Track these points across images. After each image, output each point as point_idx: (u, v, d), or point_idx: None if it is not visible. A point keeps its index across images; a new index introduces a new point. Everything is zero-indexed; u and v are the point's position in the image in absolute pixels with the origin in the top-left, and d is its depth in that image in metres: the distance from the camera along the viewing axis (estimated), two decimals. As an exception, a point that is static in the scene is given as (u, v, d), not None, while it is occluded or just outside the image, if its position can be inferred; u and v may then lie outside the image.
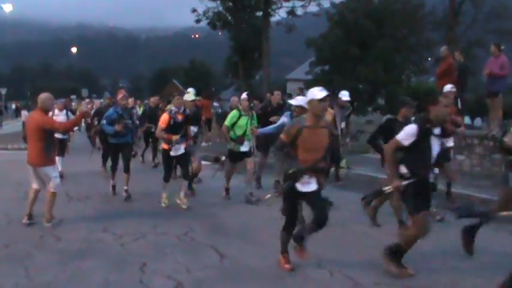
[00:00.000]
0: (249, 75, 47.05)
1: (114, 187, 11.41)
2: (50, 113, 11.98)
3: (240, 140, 10.47)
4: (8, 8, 52.85)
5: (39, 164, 8.37)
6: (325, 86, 27.99)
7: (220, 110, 25.17)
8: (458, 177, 9.61)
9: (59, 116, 13.41)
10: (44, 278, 6.13)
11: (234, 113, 10.63)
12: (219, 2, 40.04)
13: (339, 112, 12.06)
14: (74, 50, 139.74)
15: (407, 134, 6.03)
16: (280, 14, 38.78)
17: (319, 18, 40.02)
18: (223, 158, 11.95)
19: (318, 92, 6.09)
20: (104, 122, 10.95)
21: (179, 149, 10.04)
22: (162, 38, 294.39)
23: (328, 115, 10.55)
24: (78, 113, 11.58)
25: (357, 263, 6.72)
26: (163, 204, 10.18)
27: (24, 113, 31.66)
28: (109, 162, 12.08)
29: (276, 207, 8.70)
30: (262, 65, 38.36)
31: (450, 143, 9.90)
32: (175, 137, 9.75)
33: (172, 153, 10.04)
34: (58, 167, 11.40)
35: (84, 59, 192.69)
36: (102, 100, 23.95)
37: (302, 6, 38.20)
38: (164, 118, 9.95)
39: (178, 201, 10.08)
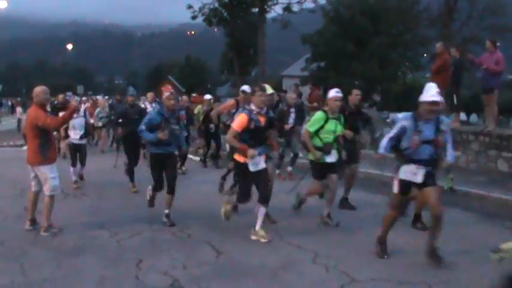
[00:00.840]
0: (244, 72, 46.98)
1: (152, 200, 9.11)
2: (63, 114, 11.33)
3: (327, 148, 8.46)
4: (2, 4, 52.72)
5: (35, 163, 7.87)
6: (321, 82, 27.96)
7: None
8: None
9: (76, 118, 11.75)
10: (40, 274, 6.13)
11: (319, 115, 8.53)
12: (214, -2, 40.00)
13: None
14: (69, 47, 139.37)
15: None
16: (276, 11, 38.68)
17: (315, 15, 39.96)
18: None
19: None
20: (142, 127, 8.47)
21: (259, 163, 7.64)
22: (157, 35, 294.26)
23: None
24: (71, 105, 9.37)
25: (353, 259, 6.74)
26: (224, 217, 8.11)
27: (18, 109, 31.54)
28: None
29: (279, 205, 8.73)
30: (258, 61, 38.29)
31: None
32: (251, 152, 7.42)
33: (251, 169, 7.55)
34: (73, 174, 11.94)
35: (79, 56, 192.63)
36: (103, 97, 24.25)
37: (298, 2, 38.10)
38: (242, 120, 7.49)
39: (253, 238, 7.65)
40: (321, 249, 7.01)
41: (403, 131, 6.60)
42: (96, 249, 7.15)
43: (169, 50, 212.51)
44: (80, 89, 60.80)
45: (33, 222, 8.12)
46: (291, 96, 13.67)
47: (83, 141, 12.29)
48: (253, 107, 7.58)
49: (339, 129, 8.61)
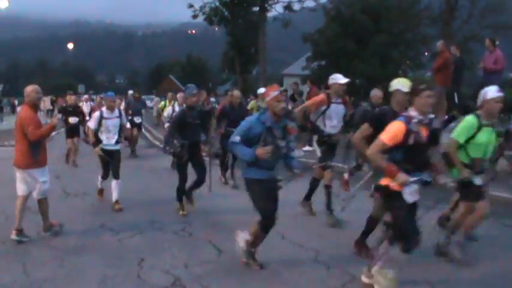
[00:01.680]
0: (245, 71, 46.95)
1: (252, 256, 6.53)
2: (97, 113, 10.02)
3: (477, 166, 6.47)
4: (3, 4, 52.74)
5: (25, 166, 7.54)
6: (322, 81, 27.91)
7: (217, 106, 25.15)
8: None
9: (112, 119, 9.94)
10: (42, 274, 6.14)
11: (470, 120, 6.51)
12: (215, -3, 39.95)
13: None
14: (70, 46, 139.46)
15: None
16: (276, 9, 38.60)
17: (316, 14, 39.90)
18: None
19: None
20: (236, 138, 6.04)
21: (415, 192, 5.63)
22: (158, 34, 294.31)
23: None
24: (51, 122, 7.88)
25: (354, 257, 6.74)
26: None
27: (19, 109, 31.61)
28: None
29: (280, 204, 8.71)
30: (259, 60, 38.25)
31: None
32: (403, 178, 5.35)
33: (408, 198, 5.49)
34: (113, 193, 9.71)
35: (80, 56, 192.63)
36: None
37: (299, 1, 38.02)
38: (396, 131, 5.31)
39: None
40: (323, 248, 7.02)
41: None
42: (98, 249, 7.16)
43: (170, 49, 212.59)
44: (81, 88, 60.91)
45: (20, 232, 7.51)
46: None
47: (118, 147, 10.01)
48: (413, 112, 5.35)
49: (493, 139, 6.58)
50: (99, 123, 9.84)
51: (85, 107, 21.29)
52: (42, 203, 7.78)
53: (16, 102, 51.37)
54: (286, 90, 17.42)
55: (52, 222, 7.93)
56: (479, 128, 6.38)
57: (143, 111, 19.78)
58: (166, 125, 14.04)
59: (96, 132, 9.89)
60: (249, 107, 15.39)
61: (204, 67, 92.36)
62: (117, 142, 9.93)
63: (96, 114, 9.96)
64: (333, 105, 8.43)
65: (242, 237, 6.42)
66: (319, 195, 8.92)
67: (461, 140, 6.45)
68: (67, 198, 10.65)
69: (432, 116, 5.78)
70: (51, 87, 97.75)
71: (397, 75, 40.26)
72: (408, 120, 5.29)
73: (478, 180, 6.43)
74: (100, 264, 6.49)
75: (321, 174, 8.79)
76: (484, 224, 8.43)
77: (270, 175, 6.22)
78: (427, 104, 5.34)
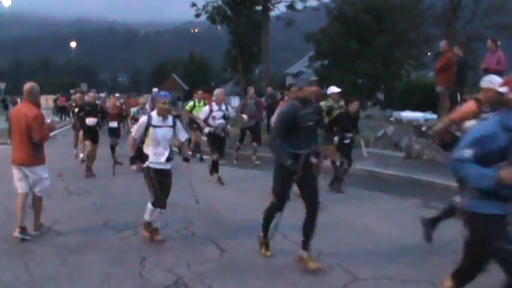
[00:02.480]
0: (248, 70, 47.01)
1: None
2: (143, 119, 8.35)
3: None
4: (6, 2, 52.64)
5: (29, 164, 7.50)
6: (325, 80, 27.93)
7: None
8: None
9: (163, 129, 7.55)
10: (44, 272, 6.14)
11: None
12: (218, -4, 39.97)
13: None
14: (73, 44, 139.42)
15: None
16: (279, 8, 38.75)
17: (319, 13, 39.90)
18: None
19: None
20: (465, 153, 3.96)
21: None
22: (161, 33, 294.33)
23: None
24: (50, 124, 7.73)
25: (357, 257, 6.74)
26: None
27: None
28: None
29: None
30: (262, 59, 38.27)
31: None
32: None
33: None
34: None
35: (83, 54, 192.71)
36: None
37: (301, 0, 38.08)
38: None
39: None
40: (325, 248, 7.00)
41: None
42: (100, 247, 7.16)
43: (173, 47, 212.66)
44: (84, 86, 60.84)
45: (24, 230, 7.50)
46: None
47: (169, 166, 7.56)
48: None
49: None
50: (145, 133, 7.40)
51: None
52: (40, 199, 7.79)
53: (19, 100, 51.33)
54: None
55: (42, 223, 7.93)
56: None
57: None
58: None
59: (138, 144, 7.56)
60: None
61: (206, 66, 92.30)
62: (168, 159, 7.47)
63: (143, 120, 7.45)
64: None
65: None
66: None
67: None
68: (70, 196, 10.66)
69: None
70: (54, 85, 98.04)
71: (399, 75, 40.53)
72: None
73: None
74: (102, 262, 6.50)
75: None
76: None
77: (509, 209, 4.11)
78: None
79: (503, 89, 4.30)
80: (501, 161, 3.91)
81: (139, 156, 7.54)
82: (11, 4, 55.28)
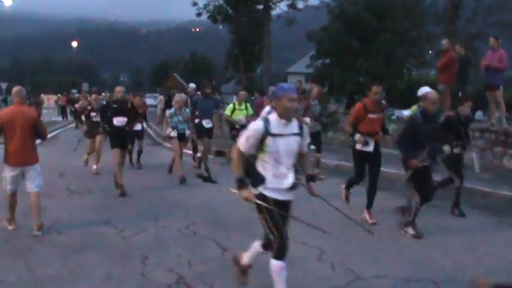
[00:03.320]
0: (249, 69, 47.06)
1: None
2: (258, 125, 8.89)
3: None
4: (8, 1, 52.67)
5: (33, 162, 7.80)
6: (326, 79, 27.79)
7: (221, 104, 25.14)
8: None
9: (288, 138, 7.26)
10: (46, 271, 6.14)
11: None
12: (219, -5, 40.01)
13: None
14: (74, 43, 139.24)
15: None
16: (280, 7, 38.73)
17: (320, 11, 39.97)
18: None
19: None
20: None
21: None
22: (162, 32, 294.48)
23: None
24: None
25: (359, 256, 6.73)
26: None
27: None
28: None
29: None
30: (263, 58, 38.32)
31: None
32: None
33: None
34: None
35: (84, 53, 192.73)
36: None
37: (302, -1, 38.15)
38: None
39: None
40: (327, 247, 7.00)
41: None
42: (102, 246, 7.16)
43: (174, 46, 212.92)
44: (85, 86, 60.84)
45: (14, 222, 8.00)
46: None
47: (291, 196, 5.26)
48: None
49: None
50: (262, 145, 4.97)
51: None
52: (38, 197, 7.87)
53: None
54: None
55: (42, 221, 7.93)
56: None
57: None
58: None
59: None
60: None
61: (208, 65, 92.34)
62: (293, 186, 5.10)
63: (256, 127, 4.97)
64: None
65: None
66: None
67: None
68: (71, 196, 10.65)
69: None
70: (56, 84, 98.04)
71: (401, 73, 40.48)
72: None
73: None
74: (104, 261, 6.49)
75: None
76: (489, 223, 8.44)
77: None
78: None
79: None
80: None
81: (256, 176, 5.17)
82: (12, 3, 55.30)
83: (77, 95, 33.17)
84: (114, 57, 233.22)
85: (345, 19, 38.84)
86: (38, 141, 7.93)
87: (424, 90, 8.10)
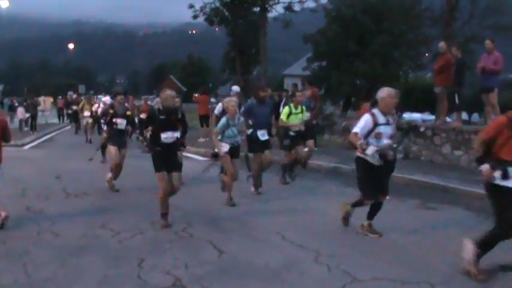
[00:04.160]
0: (246, 71, 47.09)
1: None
2: (367, 118, 10.33)
3: None
4: (4, 4, 52.70)
5: (0, 162, 8.28)
6: (323, 81, 27.80)
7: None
8: None
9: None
10: (42, 274, 6.13)
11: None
12: (216, -3, 40.04)
13: None
14: (71, 46, 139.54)
15: None
16: (277, 10, 38.72)
17: (317, 14, 39.98)
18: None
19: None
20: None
21: None
22: (159, 34, 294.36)
23: None
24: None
25: (355, 258, 6.73)
26: None
27: (20, 110, 31.42)
28: None
29: (281, 204, 8.72)
30: (260, 60, 38.33)
31: None
32: None
33: None
34: None
35: (81, 55, 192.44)
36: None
37: (299, 1, 38.17)
38: None
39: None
40: (323, 249, 7.01)
41: None
42: (98, 249, 7.15)
43: (171, 49, 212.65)
44: (82, 88, 60.84)
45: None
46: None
47: None
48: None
49: None
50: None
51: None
52: None
53: (16, 102, 51.21)
54: (287, 90, 17.42)
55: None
56: None
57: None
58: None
59: None
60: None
61: (204, 67, 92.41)
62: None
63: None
64: None
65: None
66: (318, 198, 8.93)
67: None
68: (67, 198, 10.64)
69: None
70: (52, 87, 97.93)
71: (398, 76, 40.53)
72: None
73: None
74: (100, 264, 6.49)
75: None
76: (485, 226, 8.45)
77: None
78: None
79: None
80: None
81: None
82: (9, 6, 55.28)
83: (74, 96, 32.87)
84: (111, 60, 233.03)
85: (342, 22, 38.84)
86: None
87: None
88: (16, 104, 35.89)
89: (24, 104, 31.51)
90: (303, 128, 11.68)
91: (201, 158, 16.87)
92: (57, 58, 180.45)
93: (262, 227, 7.99)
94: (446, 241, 7.45)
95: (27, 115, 29.59)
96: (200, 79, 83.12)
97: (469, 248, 5.98)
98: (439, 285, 5.83)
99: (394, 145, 8.02)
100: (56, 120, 40.18)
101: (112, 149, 11.33)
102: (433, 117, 16.92)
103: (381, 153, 7.26)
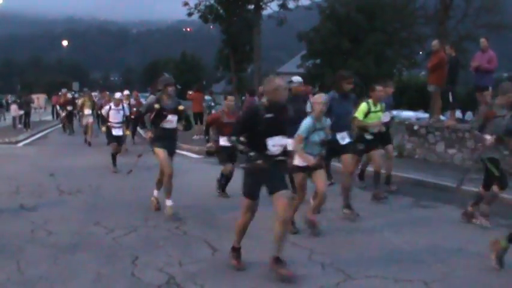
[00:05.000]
0: (240, 69, 47.02)
1: None
2: (106, 107, 11.63)
3: None
4: (-3, 1, 52.45)
5: None
6: (317, 79, 27.92)
7: (213, 104, 25.14)
8: None
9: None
10: (36, 271, 6.12)
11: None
12: (210, -5, 39.95)
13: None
14: (64, 43, 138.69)
15: None
16: (271, 7, 38.69)
17: (311, 12, 39.98)
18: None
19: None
20: None
21: None
22: (153, 32, 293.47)
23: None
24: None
25: (349, 256, 6.75)
26: None
27: (14, 106, 31.36)
28: None
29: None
30: (254, 58, 38.30)
31: None
32: None
33: None
34: None
35: (74, 53, 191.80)
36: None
37: (293, -1, 38.13)
38: None
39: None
40: (317, 247, 7.02)
41: None
42: (92, 246, 7.14)
43: (165, 46, 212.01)
44: (75, 85, 60.64)
45: None
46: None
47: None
48: None
49: None
50: None
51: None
52: None
53: (10, 99, 51.08)
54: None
55: None
56: None
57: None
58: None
59: None
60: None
61: (198, 65, 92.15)
62: None
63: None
64: None
65: None
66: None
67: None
68: (61, 196, 10.62)
69: None
70: (46, 84, 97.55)
71: (391, 74, 40.63)
72: None
73: None
74: (94, 262, 6.47)
75: None
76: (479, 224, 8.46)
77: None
78: None
79: None
80: None
81: None
82: (2, 3, 55.05)
83: (69, 95, 32.43)
84: (105, 57, 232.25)
85: (336, 20, 38.95)
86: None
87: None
88: (10, 101, 35.77)
89: (18, 101, 31.43)
90: (383, 129, 10.04)
91: (194, 156, 16.85)
92: (50, 55, 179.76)
93: (256, 225, 7.96)
94: (439, 240, 7.47)
95: (21, 112, 29.50)
96: (194, 76, 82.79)
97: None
98: (432, 284, 5.84)
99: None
100: (48, 118, 40.06)
101: (161, 154, 8.86)
102: (427, 115, 16.95)
103: None
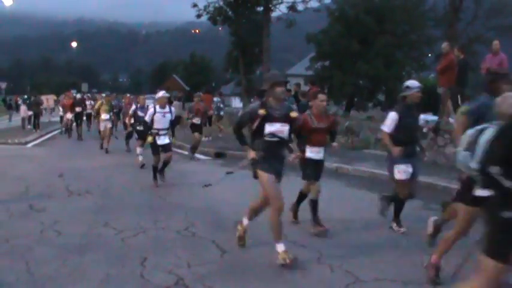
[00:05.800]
0: (249, 71, 47.03)
1: None
2: (151, 110, 11.37)
3: None
4: (7, 2, 52.70)
5: None
6: (326, 81, 27.79)
7: (221, 105, 25.16)
8: None
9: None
10: (45, 272, 6.13)
11: None
12: (219, -4, 40.03)
13: None
14: (74, 44, 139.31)
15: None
16: (280, 10, 38.81)
17: (320, 14, 40.00)
18: None
19: None
20: None
21: None
22: (162, 33, 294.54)
23: None
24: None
25: (358, 258, 6.72)
26: None
27: (23, 107, 31.50)
28: None
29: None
30: (263, 60, 38.34)
31: None
32: None
33: None
34: None
35: (84, 54, 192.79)
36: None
37: (303, 1, 38.14)
38: None
39: None
40: (326, 249, 7.00)
41: None
42: (101, 248, 7.15)
43: (174, 48, 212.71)
44: (85, 86, 60.93)
45: None
46: None
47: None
48: None
49: None
50: None
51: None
52: None
53: (20, 100, 51.34)
54: (289, 90, 17.40)
55: None
56: None
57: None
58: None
59: None
60: None
61: (207, 67, 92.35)
62: None
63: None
64: None
65: None
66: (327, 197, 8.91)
67: None
68: (70, 197, 10.64)
69: None
70: (55, 85, 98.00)
71: (400, 76, 40.57)
72: None
73: None
74: (103, 263, 6.48)
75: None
76: (481, 225, 8.41)
77: None
78: None
79: None
80: None
81: None
82: (12, 4, 55.33)
83: (78, 96, 32.15)
84: (114, 58, 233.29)
85: (345, 22, 38.91)
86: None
87: None
88: (20, 102, 35.88)
89: (27, 102, 31.53)
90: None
91: (203, 157, 16.85)
92: (59, 56, 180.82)
93: (265, 226, 7.96)
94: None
95: (30, 113, 29.62)
96: (203, 78, 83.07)
97: None
98: (441, 286, 5.82)
99: None
100: (57, 119, 40.18)
101: (267, 180, 6.69)
102: (436, 117, 16.86)
103: None
